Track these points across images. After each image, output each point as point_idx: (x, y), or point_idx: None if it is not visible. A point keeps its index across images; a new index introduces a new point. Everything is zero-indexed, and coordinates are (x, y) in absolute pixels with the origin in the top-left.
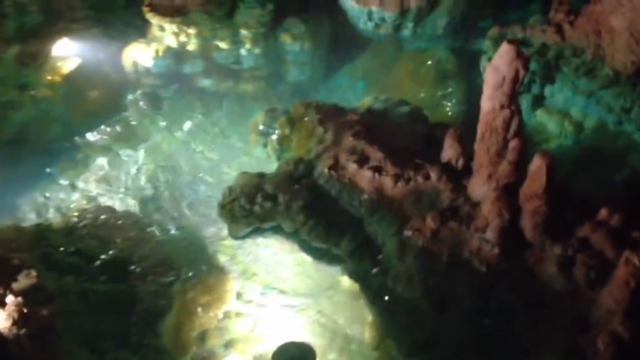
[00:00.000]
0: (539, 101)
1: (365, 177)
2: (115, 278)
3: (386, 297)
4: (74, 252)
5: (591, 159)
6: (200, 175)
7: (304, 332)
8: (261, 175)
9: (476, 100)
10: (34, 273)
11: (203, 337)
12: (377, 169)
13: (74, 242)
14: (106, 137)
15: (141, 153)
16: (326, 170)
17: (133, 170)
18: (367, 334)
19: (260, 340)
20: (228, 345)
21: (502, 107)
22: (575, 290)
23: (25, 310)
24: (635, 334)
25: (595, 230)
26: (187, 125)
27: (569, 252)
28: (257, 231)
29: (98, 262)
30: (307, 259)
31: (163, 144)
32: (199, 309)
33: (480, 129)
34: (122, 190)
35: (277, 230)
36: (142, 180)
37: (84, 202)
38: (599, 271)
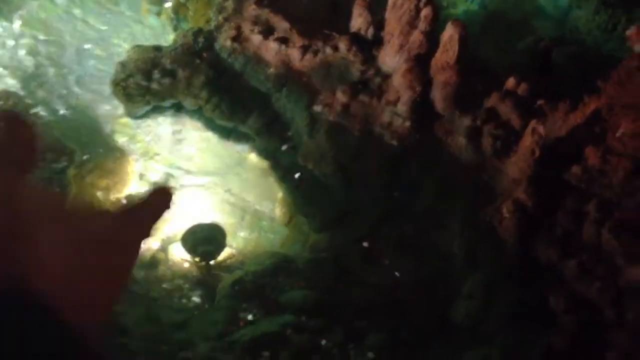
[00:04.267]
0: None
1: (271, 49)
2: None
3: (296, 175)
4: None
5: (496, 25)
6: (87, 47)
7: (212, 211)
8: (157, 49)
9: None
10: None
11: None
12: (284, 40)
13: None
14: None
15: (17, 24)
16: (229, 42)
17: (9, 44)
18: (278, 211)
19: (167, 222)
20: None
21: None
22: (483, 161)
23: None
24: (537, 201)
25: (502, 100)
26: None
27: (477, 123)
28: (157, 110)
29: None
30: (212, 136)
31: (41, 13)
32: (99, 193)
33: None
34: None
35: (179, 108)
36: (21, 54)
37: None
38: (505, 141)
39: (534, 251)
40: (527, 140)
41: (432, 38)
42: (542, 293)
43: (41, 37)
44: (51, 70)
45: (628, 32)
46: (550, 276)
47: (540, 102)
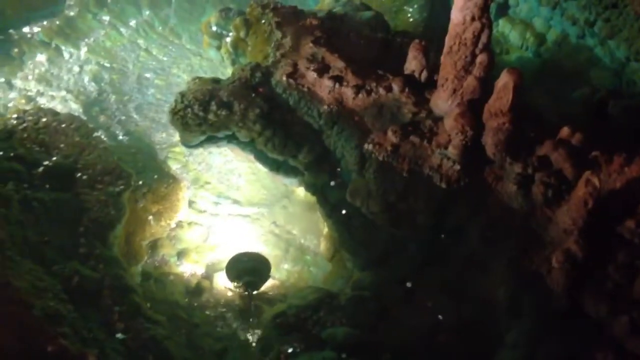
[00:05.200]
0: (502, 10)
1: (325, 87)
2: (60, 186)
3: (343, 211)
4: (15, 157)
5: (551, 74)
6: (148, 76)
7: (258, 242)
8: (216, 81)
9: (438, 7)
10: None
11: (155, 246)
12: (338, 79)
13: (14, 146)
14: (44, 31)
15: (83, 50)
16: (284, 78)
17: (75, 69)
18: (322, 246)
19: (213, 249)
20: (181, 254)
21: (472, 19)
22: (533, 209)
23: None
24: (588, 253)
25: (555, 148)
26: (133, 22)
27: (528, 171)
28: (211, 140)
29: (41, 169)
30: (262, 168)
31: (107, 42)
32: (150, 218)
33: (448, 41)
34: (64, 90)
35: (232, 139)
36: (86, 80)
37: (23, 102)
38: (557, 190)
39: (582, 304)
40: (581, 191)
41: (487, 84)
42: (589, 348)
43: (105, 64)
44: (113, 97)
45: None
46: (598, 331)
47: (595, 153)
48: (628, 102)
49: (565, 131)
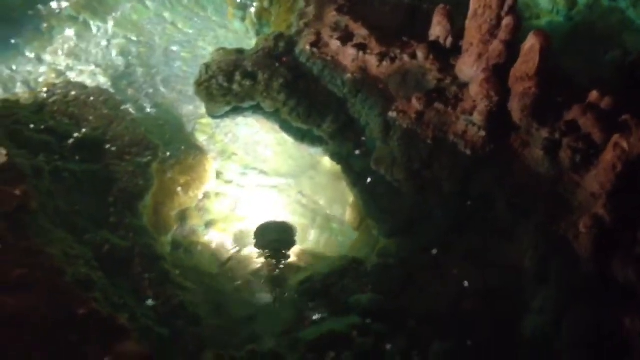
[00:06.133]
0: None
1: (349, 55)
2: (90, 157)
3: (368, 179)
4: (45, 129)
5: (582, 37)
6: (175, 49)
7: (285, 211)
8: (240, 52)
9: None
10: (3, 151)
11: (183, 217)
12: (362, 47)
13: (45, 119)
14: (72, 5)
15: (110, 24)
16: (308, 47)
17: (103, 43)
18: (348, 215)
19: (241, 219)
20: (209, 224)
21: None
22: (560, 174)
23: None
24: (617, 217)
25: (584, 113)
26: None
27: (556, 136)
28: (236, 110)
29: (71, 141)
30: (288, 138)
31: (134, 15)
32: (179, 189)
33: (472, 5)
34: (92, 64)
35: (257, 109)
36: (113, 54)
37: (53, 76)
38: (585, 155)
39: (610, 269)
40: (609, 155)
41: (513, 48)
42: (617, 313)
43: (132, 38)
44: (140, 70)
45: None
46: (626, 296)
47: (625, 116)
48: None
49: (594, 95)
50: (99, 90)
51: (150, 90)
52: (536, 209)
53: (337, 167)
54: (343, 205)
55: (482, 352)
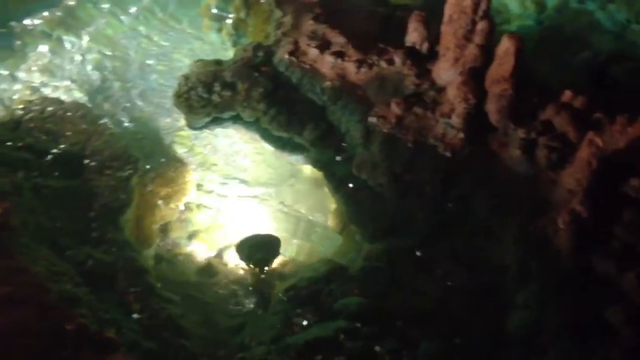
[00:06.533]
0: None
1: (327, 63)
2: (70, 173)
3: (350, 185)
4: (23, 146)
5: (552, 40)
6: (150, 62)
7: (267, 220)
8: (218, 63)
9: None
10: None
11: (166, 229)
12: (340, 54)
13: (22, 136)
14: (45, 22)
15: (85, 40)
16: (286, 56)
17: (77, 59)
18: (331, 221)
19: (224, 230)
20: (192, 236)
21: None
22: (538, 173)
23: None
24: (594, 213)
25: (558, 112)
26: (133, 9)
27: (532, 135)
28: (216, 121)
29: (50, 157)
30: (267, 148)
31: (108, 30)
32: (160, 202)
33: (447, 10)
34: (67, 80)
35: (237, 119)
36: (89, 69)
37: (27, 93)
38: (561, 153)
39: (590, 263)
40: (584, 152)
41: (488, 52)
42: (598, 305)
43: (107, 52)
44: (116, 84)
45: None
46: (607, 289)
47: (597, 115)
48: (630, 64)
49: (567, 95)
50: (76, 105)
51: (127, 104)
52: (516, 207)
53: (318, 174)
54: (325, 212)
55: (470, 349)
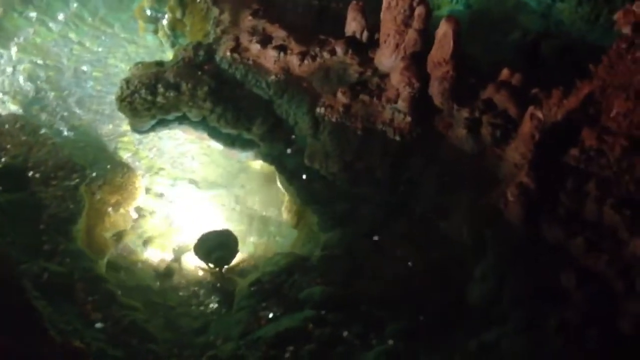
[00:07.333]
0: None
1: (270, 58)
2: (14, 186)
3: (303, 176)
4: None
5: (481, 23)
6: (85, 69)
7: (220, 220)
8: (159, 64)
9: None
10: None
11: (119, 236)
12: (282, 48)
13: None
14: None
15: (14, 50)
16: (228, 53)
17: (8, 70)
18: (285, 215)
19: (178, 233)
20: (147, 242)
21: None
22: (484, 150)
23: None
24: (540, 183)
25: (498, 90)
26: (61, 15)
27: (475, 114)
28: (162, 123)
29: None
30: (214, 147)
31: (37, 38)
32: (110, 209)
33: None
34: (0, 93)
35: (183, 120)
36: (21, 80)
37: None
38: (504, 129)
39: (540, 232)
40: (527, 126)
41: (427, 36)
42: (553, 271)
43: (39, 62)
44: (51, 94)
45: (616, 15)
46: (559, 255)
47: (534, 90)
48: (557, 42)
49: (505, 73)
50: (13, 117)
51: (65, 113)
52: (465, 184)
53: (267, 170)
54: (277, 206)
55: (434, 324)
